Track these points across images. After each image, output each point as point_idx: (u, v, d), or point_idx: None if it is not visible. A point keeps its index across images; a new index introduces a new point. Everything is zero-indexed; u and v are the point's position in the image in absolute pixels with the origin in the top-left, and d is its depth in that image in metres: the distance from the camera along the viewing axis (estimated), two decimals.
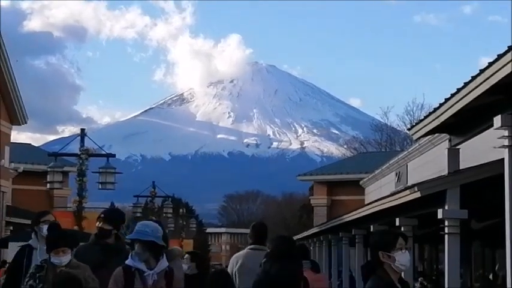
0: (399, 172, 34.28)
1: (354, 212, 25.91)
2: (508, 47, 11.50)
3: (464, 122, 16.16)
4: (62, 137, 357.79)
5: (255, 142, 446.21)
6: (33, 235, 10.52)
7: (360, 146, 76.68)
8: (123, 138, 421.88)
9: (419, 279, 28.24)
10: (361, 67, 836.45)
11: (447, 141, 20.54)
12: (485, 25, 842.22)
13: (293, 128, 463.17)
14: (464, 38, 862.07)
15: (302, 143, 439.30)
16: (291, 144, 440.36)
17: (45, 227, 10.30)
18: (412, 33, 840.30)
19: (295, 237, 45.68)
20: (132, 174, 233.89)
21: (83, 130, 25.50)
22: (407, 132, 35.42)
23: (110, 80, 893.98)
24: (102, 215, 10.46)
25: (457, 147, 18.31)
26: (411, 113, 68.10)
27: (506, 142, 12.93)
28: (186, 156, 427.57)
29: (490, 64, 12.25)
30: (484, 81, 12.65)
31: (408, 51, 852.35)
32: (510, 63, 11.57)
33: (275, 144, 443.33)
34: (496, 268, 24.70)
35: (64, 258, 8.89)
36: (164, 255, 8.43)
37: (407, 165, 33.00)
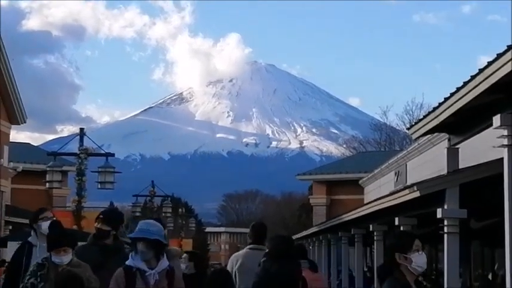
0: (398, 171, 34.28)
1: (353, 212, 25.91)
2: (508, 46, 11.50)
3: (464, 121, 16.16)
4: (61, 137, 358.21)
5: (254, 141, 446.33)
6: (32, 232, 10.51)
7: (359, 146, 76.70)
8: (122, 138, 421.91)
9: (419, 279, 28.18)
10: (360, 66, 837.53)
11: (446, 140, 20.54)
12: (485, 24, 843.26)
13: (292, 128, 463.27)
14: (464, 38, 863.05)
15: (301, 142, 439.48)
16: (290, 143, 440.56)
17: (44, 224, 10.31)
18: (411, 33, 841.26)
19: (294, 237, 45.73)
20: (131, 173, 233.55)
21: (82, 129, 25.53)
22: (407, 131, 35.42)
23: (108, 79, 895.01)
24: (101, 216, 10.45)
25: (457, 146, 18.30)
26: (410, 112, 68.19)
27: (505, 141, 12.93)
28: (185, 156, 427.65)
29: (490, 63, 12.24)
30: (484, 80, 12.65)
31: (407, 50, 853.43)
32: (509, 63, 11.57)
33: (274, 143, 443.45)
34: (495, 267, 24.70)
35: (65, 257, 8.87)
36: (165, 254, 8.42)
37: (406, 165, 33.00)
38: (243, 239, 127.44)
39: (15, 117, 30.43)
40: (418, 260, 6.69)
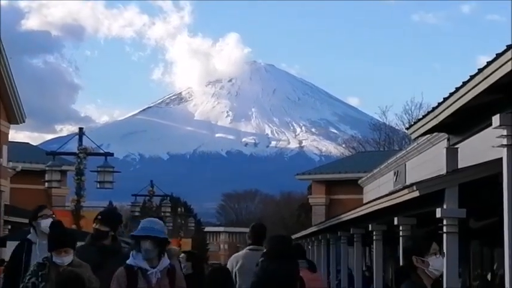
0: (398, 171, 34.29)
1: (353, 211, 25.92)
2: (507, 46, 11.51)
3: (463, 121, 16.18)
4: (60, 136, 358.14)
5: (253, 141, 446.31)
6: (31, 230, 10.49)
7: (358, 145, 76.73)
8: (121, 137, 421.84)
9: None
10: (359, 66, 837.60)
11: (446, 140, 20.56)
12: (484, 24, 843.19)
13: (291, 127, 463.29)
14: (463, 37, 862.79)
15: (300, 142, 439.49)
16: (289, 143, 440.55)
17: (43, 222, 10.29)
18: (411, 33, 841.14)
19: (293, 237, 45.71)
20: (130, 173, 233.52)
21: (81, 129, 25.55)
22: (406, 131, 35.41)
23: (108, 79, 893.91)
24: (99, 217, 10.46)
25: (456, 146, 18.32)
26: (410, 112, 68.19)
27: (504, 141, 12.94)
28: (184, 155, 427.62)
29: (489, 63, 12.25)
30: (483, 80, 12.65)
31: (407, 50, 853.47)
32: (508, 63, 11.57)
33: (273, 143, 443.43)
34: (495, 267, 24.72)
35: (66, 258, 8.82)
36: (166, 252, 8.41)
37: (405, 165, 33.01)
38: (242, 238, 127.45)
39: (14, 117, 30.44)
40: (436, 263, 6.65)
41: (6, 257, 19.08)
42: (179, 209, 59.10)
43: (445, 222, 15.69)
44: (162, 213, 44.40)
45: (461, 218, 15.73)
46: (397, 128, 70.52)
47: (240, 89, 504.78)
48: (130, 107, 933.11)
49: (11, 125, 31.01)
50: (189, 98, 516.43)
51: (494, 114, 13.04)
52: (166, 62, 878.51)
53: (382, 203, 20.32)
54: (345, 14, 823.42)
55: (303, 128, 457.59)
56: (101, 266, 9.36)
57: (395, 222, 19.58)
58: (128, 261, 8.28)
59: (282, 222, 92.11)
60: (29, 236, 10.41)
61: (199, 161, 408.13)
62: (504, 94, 13.29)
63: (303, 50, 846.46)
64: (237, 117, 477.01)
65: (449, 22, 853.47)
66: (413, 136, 21.90)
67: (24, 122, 31.43)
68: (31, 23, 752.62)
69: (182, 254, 13.32)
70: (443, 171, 17.95)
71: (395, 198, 18.49)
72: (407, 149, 33.42)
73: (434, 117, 16.38)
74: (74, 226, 23.21)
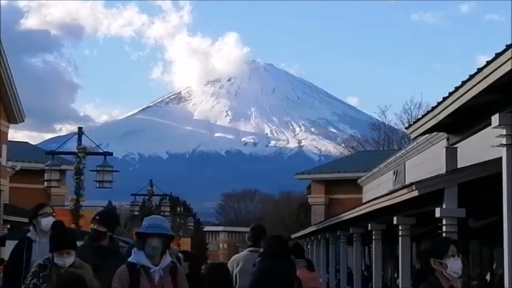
0: (397, 171, 34.31)
1: (352, 211, 25.93)
2: (506, 45, 11.50)
3: (462, 120, 16.17)
4: (59, 136, 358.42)
5: (252, 141, 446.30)
6: (31, 228, 10.46)
7: (357, 145, 76.73)
8: (120, 137, 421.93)
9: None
10: (358, 66, 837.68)
11: (445, 140, 20.55)
12: (483, 24, 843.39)
13: (291, 127, 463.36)
14: (462, 37, 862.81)
15: (300, 141, 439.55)
16: (288, 142, 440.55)
17: (43, 220, 10.28)
18: (410, 32, 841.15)
19: (292, 236, 45.78)
20: (129, 172, 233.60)
21: (80, 128, 25.55)
22: (405, 130, 35.42)
23: (107, 78, 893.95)
24: (97, 217, 10.46)
25: (455, 146, 18.32)
26: (409, 111, 68.21)
27: (504, 141, 12.94)
28: (183, 155, 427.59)
29: (488, 63, 12.25)
30: (482, 80, 12.65)
31: (406, 50, 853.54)
32: (508, 62, 11.57)
33: (273, 142, 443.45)
34: (494, 266, 24.74)
35: (68, 259, 8.80)
36: (167, 251, 8.36)
37: (405, 164, 33.03)
38: (241, 238, 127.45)
39: (13, 116, 30.43)
40: (454, 265, 6.62)
41: (6, 256, 19.06)
42: (178, 209, 59.09)
43: (444, 221, 15.70)
44: (162, 213, 44.33)
45: (461, 217, 15.74)
46: (396, 127, 70.59)
47: (239, 88, 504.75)
48: (129, 107, 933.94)
49: (10, 124, 31.01)
50: (188, 97, 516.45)
51: (494, 113, 13.04)
52: (165, 61, 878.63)
53: (381, 202, 20.32)
54: (344, 13, 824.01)
55: (302, 127, 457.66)
56: (99, 267, 9.35)
57: (395, 222, 19.59)
58: (129, 259, 8.23)
59: (281, 222, 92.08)
60: (28, 234, 10.38)
61: (199, 161, 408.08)
62: (503, 94, 13.29)
63: (302, 49, 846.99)
64: (236, 116, 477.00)
65: (448, 22, 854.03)
66: (412, 136, 21.90)
67: (23, 121, 31.43)
68: (30, 23, 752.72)
69: (179, 254, 13.34)
70: (443, 171, 17.96)
71: (394, 197, 18.50)
72: (407, 149, 33.44)
73: (434, 117, 16.38)
74: (73, 225, 23.22)
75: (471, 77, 13.15)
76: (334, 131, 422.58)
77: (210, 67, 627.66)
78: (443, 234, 15.72)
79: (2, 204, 30.36)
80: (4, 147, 30.03)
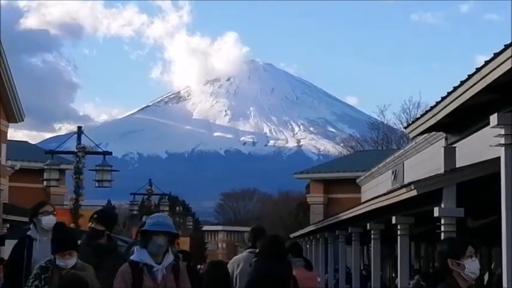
0: (396, 170, 34.34)
1: (351, 210, 25.96)
2: (505, 45, 11.52)
3: (461, 120, 16.19)
4: (59, 135, 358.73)
5: (251, 140, 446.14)
6: (31, 226, 10.42)
7: (356, 144, 76.72)
8: (119, 136, 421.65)
9: (416, 277, 28.31)
10: (357, 65, 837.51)
11: (443, 139, 20.56)
12: (482, 24, 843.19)
13: (290, 126, 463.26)
14: (461, 37, 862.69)
15: (299, 141, 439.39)
16: (287, 142, 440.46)
17: (44, 218, 10.26)
18: (409, 32, 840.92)
19: (291, 236, 45.81)
20: (128, 172, 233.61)
21: (79, 128, 25.56)
22: (404, 130, 35.49)
23: (106, 77, 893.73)
24: (95, 216, 10.45)
25: (454, 145, 18.35)
26: (408, 111, 68.21)
27: (502, 140, 12.96)
28: (182, 154, 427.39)
29: (487, 62, 12.26)
30: (481, 79, 12.66)
31: (405, 49, 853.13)
32: (506, 62, 11.59)
33: (272, 142, 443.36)
34: (492, 266, 24.78)
35: (70, 261, 8.77)
36: (170, 249, 8.31)
37: (403, 164, 33.06)
38: (240, 237, 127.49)
39: (13, 116, 30.44)
40: (471, 266, 6.59)
41: (6, 256, 19.06)
42: (177, 208, 59.15)
43: (442, 221, 15.73)
44: (161, 212, 44.43)
45: (459, 217, 15.77)
46: (395, 127, 70.61)
47: (238, 88, 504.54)
48: (128, 106, 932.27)
49: (10, 124, 31.01)
50: (187, 97, 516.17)
51: (492, 113, 13.06)
52: (164, 60, 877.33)
53: (380, 202, 20.35)
54: (344, 13, 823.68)
55: (301, 127, 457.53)
56: (97, 265, 9.32)
57: (393, 221, 19.62)
58: (132, 257, 8.18)
59: (280, 221, 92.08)
60: (29, 233, 10.35)
61: (198, 160, 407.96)
62: (502, 93, 13.31)
63: (302, 49, 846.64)
64: (236, 116, 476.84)
65: (447, 22, 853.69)
66: (411, 135, 21.91)
67: (23, 120, 31.43)
68: (30, 22, 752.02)
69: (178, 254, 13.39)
70: (441, 171, 17.98)
71: (393, 197, 18.52)
72: (405, 148, 33.48)
73: (432, 117, 16.40)
74: (72, 225, 23.24)
75: (470, 76, 13.17)
76: (333, 130, 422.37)
77: (209, 67, 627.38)
78: (442, 234, 15.77)
79: (2, 204, 30.36)
80: (3, 147, 30.04)
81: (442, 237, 15.75)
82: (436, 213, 15.76)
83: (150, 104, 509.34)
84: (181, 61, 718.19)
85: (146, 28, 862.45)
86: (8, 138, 32.13)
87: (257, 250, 10.81)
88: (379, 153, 47.93)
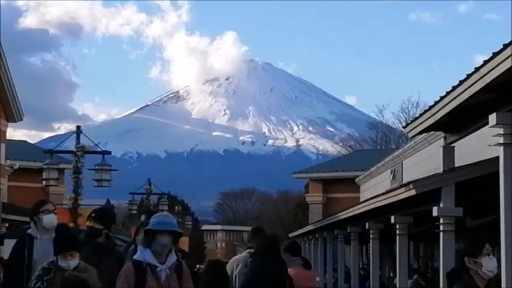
0: (394, 170, 34.34)
1: (349, 210, 25.97)
2: (504, 45, 11.52)
3: (460, 120, 16.19)
4: (58, 134, 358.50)
5: (250, 140, 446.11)
6: (32, 224, 10.35)
7: (355, 144, 76.72)
8: (118, 136, 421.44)
9: (414, 277, 28.32)
10: (356, 65, 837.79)
11: (442, 139, 20.57)
12: (481, 23, 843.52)
13: (289, 126, 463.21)
14: (460, 36, 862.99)
15: (297, 140, 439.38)
16: (286, 141, 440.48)
17: (45, 217, 10.21)
18: (408, 32, 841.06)
19: (290, 235, 45.86)
20: (127, 171, 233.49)
21: (78, 127, 25.52)
22: (403, 130, 35.49)
23: (105, 77, 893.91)
24: (93, 214, 10.45)
25: (452, 145, 18.36)
26: (406, 110, 68.17)
27: (501, 140, 12.97)
28: (181, 154, 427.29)
29: (486, 62, 12.27)
30: (480, 79, 12.67)
31: (404, 49, 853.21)
32: (505, 61, 11.60)
33: (271, 141, 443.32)
34: None
35: (72, 262, 8.70)
36: (173, 249, 8.25)
37: (402, 163, 33.06)
38: (239, 237, 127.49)
39: (12, 115, 30.42)
40: (489, 264, 6.60)
41: (5, 255, 19.06)
42: (176, 208, 59.11)
43: (441, 220, 15.75)
44: (160, 212, 44.39)
45: (458, 216, 15.78)
46: (394, 126, 70.59)
47: (237, 87, 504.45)
48: (127, 105, 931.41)
49: (9, 123, 30.99)
50: (186, 96, 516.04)
51: (491, 113, 13.07)
52: (163, 60, 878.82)
53: (379, 201, 20.37)
54: (343, 13, 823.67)
55: (300, 126, 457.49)
56: (96, 265, 9.29)
57: (392, 221, 19.64)
58: (135, 257, 8.11)
59: (279, 221, 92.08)
60: (29, 231, 10.29)
61: (197, 160, 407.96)
62: (501, 93, 13.31)
63: (301, 48, 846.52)
64: (235, 115, 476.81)
65: (446, 21, 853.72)
66: (410, 135, 21.93)
67: (22, 120, 31.41)
68: (29, 21, 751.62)
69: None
70: (440, 170, 18.00)
71: (392, 196, 18.54)
72: (404, 148, 33.49)
73: (431, 116, 16.40)
74: (71, 224, 23.22)
75: (468, 76, 13.17)
76: (332, 130, 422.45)
77: (208, 66, 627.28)
78: (441, 233, 15.78)
79: (1, 203, 30.33)
80: (3, 146, 30.02)
81: (441, 237, 15.77)
82: (434, 213, 15.77)
83: (149, 103, 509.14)
84: (180, 60, 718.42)
85: (145, 27, 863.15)
86: (7, 138, 32.11)
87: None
88: (378, 153, 47.93)
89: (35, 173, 32.93)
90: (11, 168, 35.05)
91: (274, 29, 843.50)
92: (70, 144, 25.85)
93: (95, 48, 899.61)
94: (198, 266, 27.34)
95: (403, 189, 17.20)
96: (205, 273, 9.46)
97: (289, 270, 10.72)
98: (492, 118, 12.97)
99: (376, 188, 36.73)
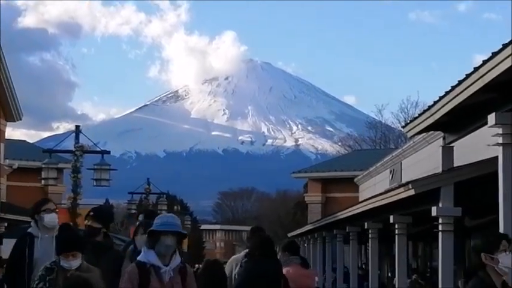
0: (393, 169, 34.33)
1: (348, 209, 25.98)
2: (503, 44, 11.52)
3: (459, 120, 16.20)
4: (57, 134, 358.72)
5: (249, 139, 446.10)
6: (32, 223, 10.32)
7: (354, 144, 76.66)
8: (117, 135, 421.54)
9: (413, 276, 28.33)
10: (356, 64, 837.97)
11: (441, 139, 20.58)
12: (480, 23, 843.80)
13: (288, 125, 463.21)
14: (459, 36, 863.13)
15: (297, 140, 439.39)
16: (285, 141, 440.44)
17: (46, 216, 10.18)
18: (407, 31, 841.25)
19: (289, 235, 45.86)
20: (126, 171, 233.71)
21: (77, 127, 25.49)
22: (402, 129, 35.45)
23: (104, 76, 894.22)
24: (91, 213, 10.44)
25: (451, 145, 18.36)
26: (405, 110, 68.16)
27: (500, 140, 12.97)
28: (180, 153, 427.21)
29: (485, 62, 12.27)
30: (479, 79, 12.67)
31: (403, 48, 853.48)
32: (504, 61, 11.59)
33: (270, 141, 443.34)
34: None
35: (74, 262, 8.61)
36: (177, 250, 8.19)
37: (401, 163, 33.05)
38: (238, 236, 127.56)
39: (11, 115, 30.41)
40: (505, 260, 6.58)
41: (4, 254, 19.05)
42: (175, 207, 59.01)
43: (440, 220, 15.75)
44: (159, 211, 44.37)
45: (457, 216, 15.79)
46: (393, 126, 70.57)
47: (236, 87, 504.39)
48: (127, 105, 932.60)
49: (8, 123, 30.99)
50: (185, 96, 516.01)
51: (490, 112, 13.07)
52: (162, 59, 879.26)
53: (377, 201, 20.37)
54: (342, 12, 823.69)
55: (299, 126, 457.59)
56: (95, 264, 9.29)
57: (391, 221, 19.65)
58: (139, 258, 8.05)
59: (278, 221, 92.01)
60: (30, 230, 10.25)
61: (196, 159, 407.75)
62: (499, 93, 13.31)
63: (300, 48, 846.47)
64: (234, 115, 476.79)
65: (445, 21, 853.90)
66: (409, 134, 21.92)
67: (20, 119, 31.40)
68: (28, 21, 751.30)
69: None
70: (439, 170, 18.00)
71: (391, 196, 18.54)
72: (403, 148, 33.47)
73: (430, 116, 16.41)
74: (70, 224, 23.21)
75: (468, 76, 13.17)
76: (331, 129, 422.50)
77: (208, 66, 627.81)
78: (440, 233, 15.78)
79: (0, 203, 30.35)
80: (2, 146, 30.02)
81: (440, 236, 15.78)
82: (433, 213, 15.78)
83: (148, 103, 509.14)
84: (179, 60, 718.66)
85: (144, 27, 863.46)
86: (6, 137, 32.11)
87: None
88: (377, 153, 47.91)
89: (33, 173, 32.91)
90: (10, 167, 35.03)
91: (274, 29, 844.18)
92: (69, 144, 25.83)
93: (94, 47, 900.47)
94: (196, 265, 27.33)
95: (402, 189, 17.21)
96: (202, 273, 9.45)
97: (287, 269, 10.74)
98: (491, 118, 12.97)
99: (375, 188, 36.72)
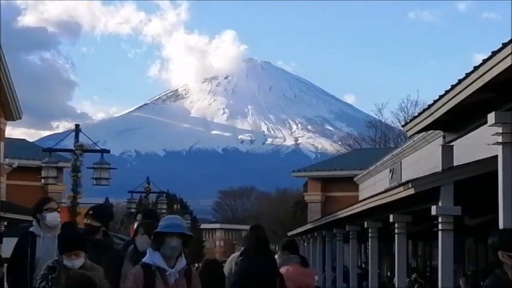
0: (393, 169, 34.34)
1: (348, 209, 25.99)
2: (502, 44, 11.52)
3: (458, 119, 16.20)
4: (57, 133, 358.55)
5: (249, 138, 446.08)
6: (34, 222, 10.29)
7: (354, 143, 76.66)
8: (117, 134, 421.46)
9: (413, 276, 28.34)
10: (355, 64, 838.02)
11: (441, 138, 20.59)
12: (480, 22, 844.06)
13: (287, 125, 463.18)
14: (459, 35, 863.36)
15: (296, 139, 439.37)
16: (285, 140, 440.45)
17: (48, 215, 10.17)
18: (407, 30, 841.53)
19: (289, 234, 45.86)
20: (126, 170, 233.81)
21: (77, 126, 25.48)
22: (402, 128, 35.50)
23: (104, 75, 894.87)
24: (91, 212, 10.44)
25: (451, 144, 18.37)
26: (405, 109, 68.16)
27: (499, 139, 12.97)
28: (180, 152, 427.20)
29: (485, 61, 12.27)
30: (478, 78, 12.67)
31: (403, 48, 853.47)
32: (504, 60, 11.59)
33: (269, 140, 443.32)
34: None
35: (77, 261, 8.56)
36: (182, 252, 8.09)
37: (401, 162, 33.06)
38: (238, 235, 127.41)
39: (10, 114, 30.40)
40: None
41: (3, 253, 19.04)
42: (175, 206, 59.09)
43: (440, 219, 15.75)
44: (158, 210, 44.38)
45: (457, 215, 15.80)
46: (392, 125, 70.59)
47: (236, 86, 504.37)
48: (126, 104, 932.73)
49: (8, 122, 30.97)
50: (185, 95, 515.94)
51: (490, 112, 13.07)
52: (162, 59, 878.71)
53: (377, 200, 20.38)
54: (342, 11, 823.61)
55: (299, 125, 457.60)
56: (94, 262, 9.29)
57: (391, 220, 19.65)
58: (144, 260, 7.96)
59: (277, 220, 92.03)
60: (31, 229, 10.23)
61: (196, 158, 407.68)
62: (499, 92, 13.31)
63: (300, 47, 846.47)
64: (233, 114, 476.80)
65: (445, 20, 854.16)
66: (409, 134, 21.93)
67: (20, 118, 31.38)
68: (27, 20, 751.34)
69: None
70: (439, 169, 18.00)
71: (390, 195, 18.55)
72: (403, 147, 33.48)
73: (430, 115, 16.41)
74: None
75: (467, 75, 13.17)
76: (331, 128, 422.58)
77: (207, 65, 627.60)
78: (439, 232, 15.78)
79: (0, 202, 30.34)
80: (1, 145, 30.01)
81: (440, 235, 15.78)
82: (433, 212, 15.78)
83: (148, 102, 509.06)
84: (179, 59, 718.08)
85: (144, 26, 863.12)
86: (6, 136, 32.10)
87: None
88: (376, 152, 47.93)
89: (33, 172, 32.92)
90: (10, 166, 35.02)
91: (273, 28, 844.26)
92: (69, 143, 25.81)
93: (93, 46, 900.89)
94: (196, 265, 27.32)
95: (401, 188, 17.21)
96: (201, 272, 9.44)
97: (287, 267, 10.75)
98: (491, 117, 12.97)
99: (374, 187, 36.74)
